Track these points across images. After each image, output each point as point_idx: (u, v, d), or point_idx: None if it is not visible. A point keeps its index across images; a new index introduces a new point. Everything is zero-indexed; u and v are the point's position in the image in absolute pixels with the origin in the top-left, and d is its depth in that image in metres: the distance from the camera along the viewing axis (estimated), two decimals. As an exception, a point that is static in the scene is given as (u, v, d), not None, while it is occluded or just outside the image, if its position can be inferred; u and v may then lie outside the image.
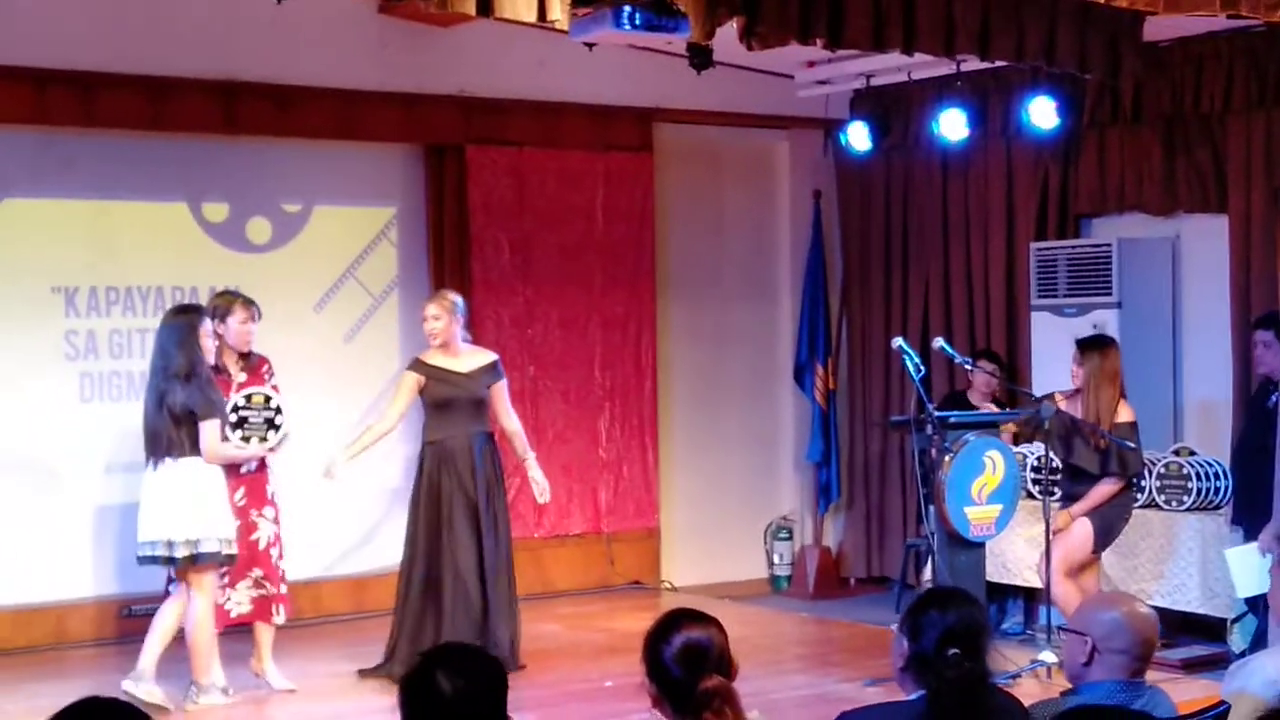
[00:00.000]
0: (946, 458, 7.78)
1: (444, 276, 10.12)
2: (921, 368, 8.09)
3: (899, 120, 10.74)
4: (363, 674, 8.11)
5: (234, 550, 7.50)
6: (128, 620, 9.01)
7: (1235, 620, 8.08)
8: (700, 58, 8.37)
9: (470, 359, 8.23)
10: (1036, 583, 8.58)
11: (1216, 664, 7.85)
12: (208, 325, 7.57)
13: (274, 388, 7.87)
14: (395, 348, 10.16)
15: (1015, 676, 7.50)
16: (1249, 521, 7.82)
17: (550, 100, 10.24)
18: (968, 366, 9.03)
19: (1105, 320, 9.31)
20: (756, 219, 11.37)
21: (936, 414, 7.95)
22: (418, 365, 8.20)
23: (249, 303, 7.86)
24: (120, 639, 8.90)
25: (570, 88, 10.24)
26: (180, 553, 7.35)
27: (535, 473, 8.35)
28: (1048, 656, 7.81)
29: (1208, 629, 8.43)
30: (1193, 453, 8.59)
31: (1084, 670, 4.09)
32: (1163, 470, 8.53)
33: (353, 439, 8.34)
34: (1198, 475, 8.41)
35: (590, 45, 8.78)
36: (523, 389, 10.17)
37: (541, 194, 10.30)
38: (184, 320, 7.54)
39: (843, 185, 11.37)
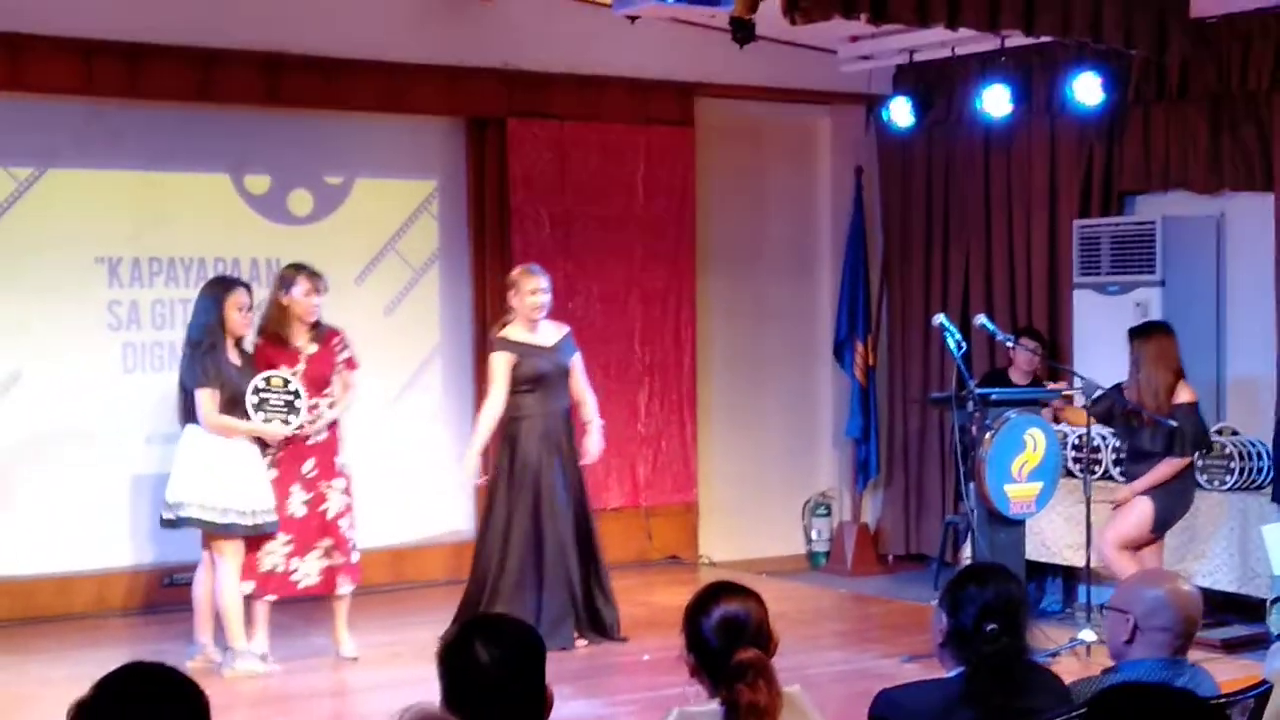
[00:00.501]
0: (987, 435, 7.76)
1: (484, 250, 10.15)
2: (963, 344, 8.06)
3: (942, 96, 10.68)
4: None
5: (255, 521, 7.55)
6: (168, 589, 9.08)
7: (1274, 601, 8.04)
8: (743, 32, 8.34)
9: (550, 332, 8.30)
10: (1076, 561, 8.55)
11: (1257, 644, 7.82)
12: (239, 298, 7.62)
13: (347, 362, 7.89)
14: (435, 321, 10.20)
15: (1055, 654, 7.48)
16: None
17: (592, 74, 10.23)
18: (1009, 344, 8.99)
19: (1148, 299, 9.26)
20: (797, 195, 11.34)
21: (978, 391, 7.92)
22: (506, 345, 8.17)
23: (314, 274, 7.84)
24: (161, 607, 8.98)
25: (612, 61, 10.23)
26: (183, 514, 7.51)
27: (595, 437, 8.36)
28: (1087, 635, 7.78)
29: (1249, 609, 8.39)
30: (1235, 432, 8.54)
31: (1125, 648, 4.08)
32: (1204, 451, 8.47)
33: (475, 435, 8.35)
34: (1240, 455, 8.36)
35: (633, 19, 8.76)
36: (562, 363, 10.17)
37: (583, 168, 10.29)
38: (212, 292, 7.68)
39: (884, 161, 11.32)
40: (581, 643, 8.17)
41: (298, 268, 7.89)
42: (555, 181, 10.21)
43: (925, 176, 11.03)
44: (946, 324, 8.09)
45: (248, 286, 7.85)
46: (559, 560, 8.09)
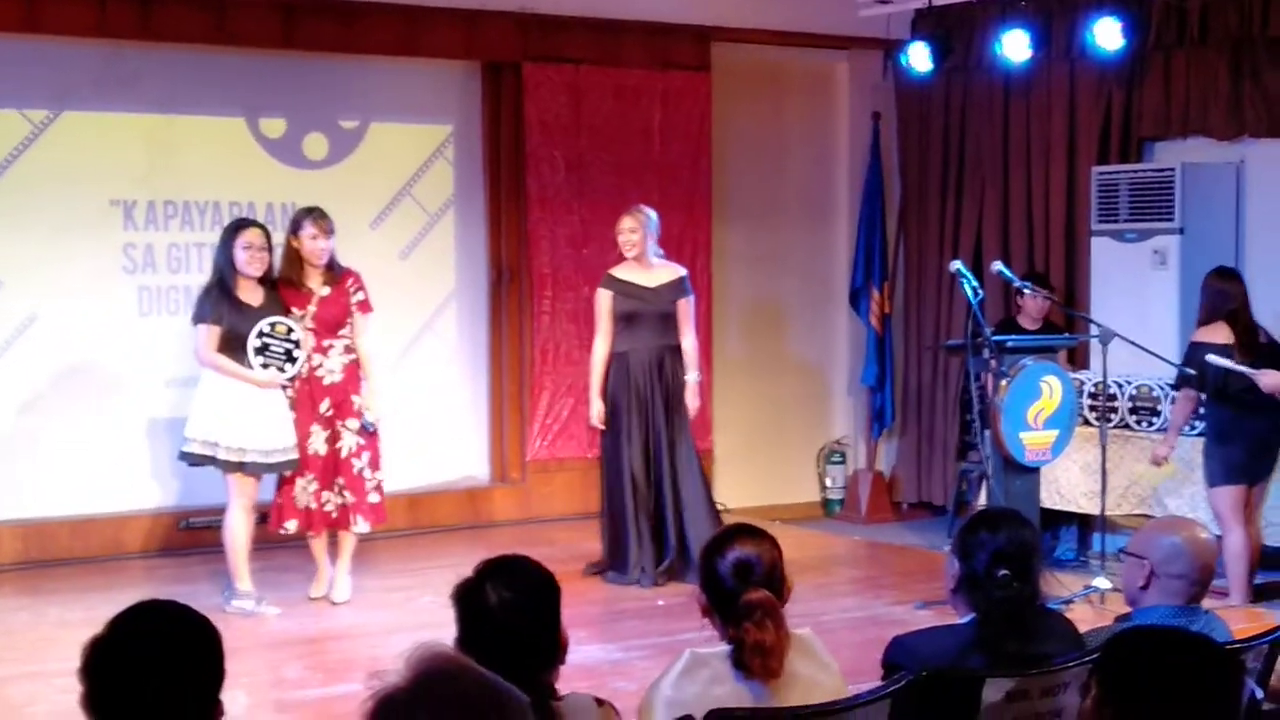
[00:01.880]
0: (1003, 382, 7.74)
1: (500, 195, 10.13)
2: (979, 291, 8.03)
3: (960, 41, 10.60)
4: (587, 572, 8.54)
5: (273, 460, 7.64)
6: (185, 532, 9.12)
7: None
8: (761, -25, 8.29)
9: (660, 273, 8.48)
10: (1091, 509, 8.54)
11: (1275, 593, 7.82)
12: (246, 237, 7.65)
13: (360, 304, 7.91)
14: (451, 265, 10.18)
15: (1068, 602, 7.49)
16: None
17: (609, 18, 10.17)
18: (1026, 290, 8.95)
19: (1167, 246, 9.21)
20: (814, 141, 11.28)
21: (993, 338, 7.90)
22: (609, 281, 8.49)
23: (321, 217, 7.83)
24: (177, 550, 9.03)
25: (629, 5, 10.17)
26: (200, 451, 7.61)
27: (690, 391, 8.50)
28: (1101, 582, 7.79)
29: (1268, 558, 8.37)
30: (1252, 381, 8.49)
31: (1141, 594, 4.08)
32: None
33: (593, 378, 8.51)
34: (1257, 404, 8.32)
35: (650, -38, 8.71)
36: (577, 309, 10.17)
37: (598, 112, 10.25)
38: (225, 233, 7.79)
39: (902, 107, 11.25)
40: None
41: (306, 211, 7.90)
42: (571, 126, 10.17)
43: (943, 122, 10.97)
44: (963, 271, 8.06)
45: (263, 228, 7.84)
46: (629, 494, 8.40)
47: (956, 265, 8.16)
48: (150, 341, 9.26)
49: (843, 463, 11.35)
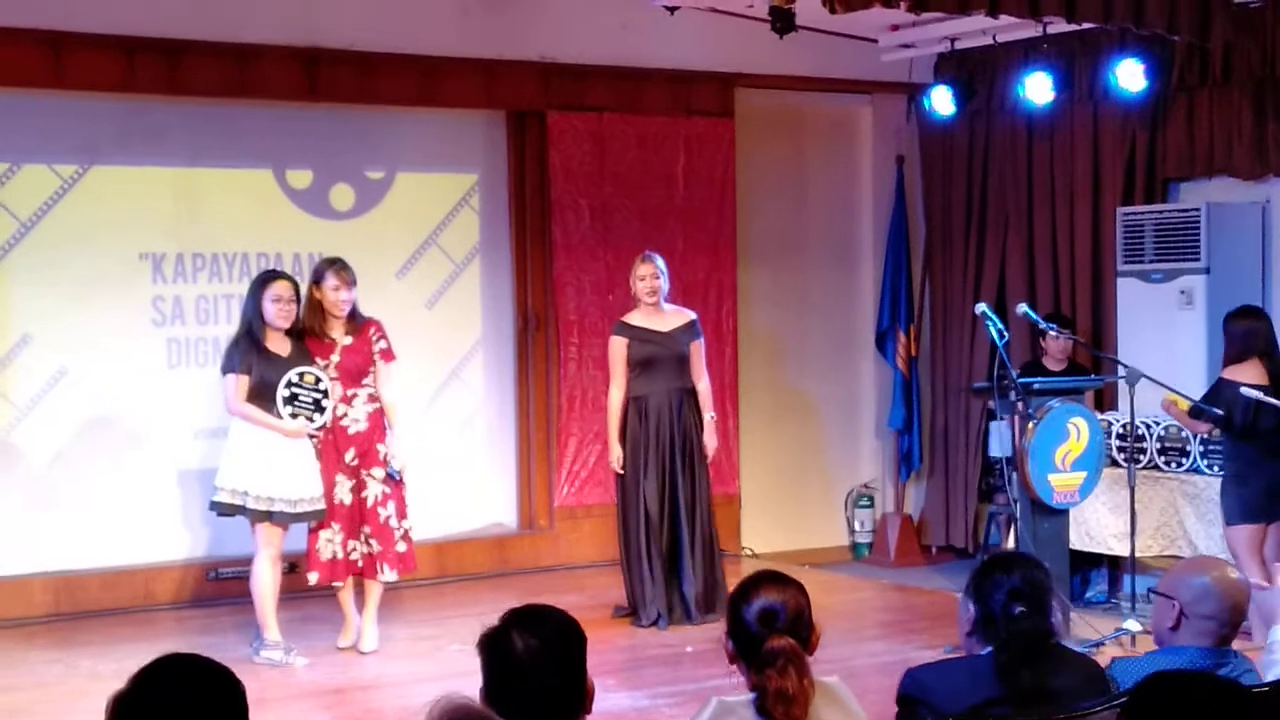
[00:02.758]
0: (1030, 424, 7.72)
1: (525, 242, 10.17)
2: (1004, 334, 8.02)
3: (983, 84, 10.63)
4: (616, 614, 8.68)
5: (299, 510, 7.65)
6: (214, 583, 9.14)
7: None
8: (782, 21, 8.32)
9: (672, 318, 8.61)
10: (1121, 551, 8.50)
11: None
12: (275, 290, 7.69)
13: (382, 352, 7.94)
14: (477, 314, 10.22)
15: (1099, 645, 7.44)
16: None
17: (631, 65, 10.22)
18: (1051, 331, 8.94)
19: (1193, 286, 9.19)
20: (839, 185, 11.31)
21: (1020, 380, 7.88)
22: (623, 328, 8.58)
23: (343, 268, 7.88)
24: (207, 601, 9.04)
25: (651, 53, 10.22)
26: (230, 500, 7.63)
27: (708, 431, 8.64)
28: (1132, 625, 7.74)
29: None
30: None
31: (1171, 634, 4.06)
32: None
33: (610, 424, 8.57)
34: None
35: (671, 9, 8.76)
36: (603, 356, 10.13)
37: (622, 159, 10.29)
38: (254, 285, 7.83)
39: (926, 150, 11.27)
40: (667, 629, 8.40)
41: (329, 262, 7.95)
42: (595, 173, 10.21)
43: (967, 165, 10.98)
44: (989, 313, 8.06)
45: (292, 280, 7.88)
46: (645, 537, 8.46)
47: (982, 308, 8.16)
48: (179, 393, 9.30)
49: (871, 506, 11.32)
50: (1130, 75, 9.39)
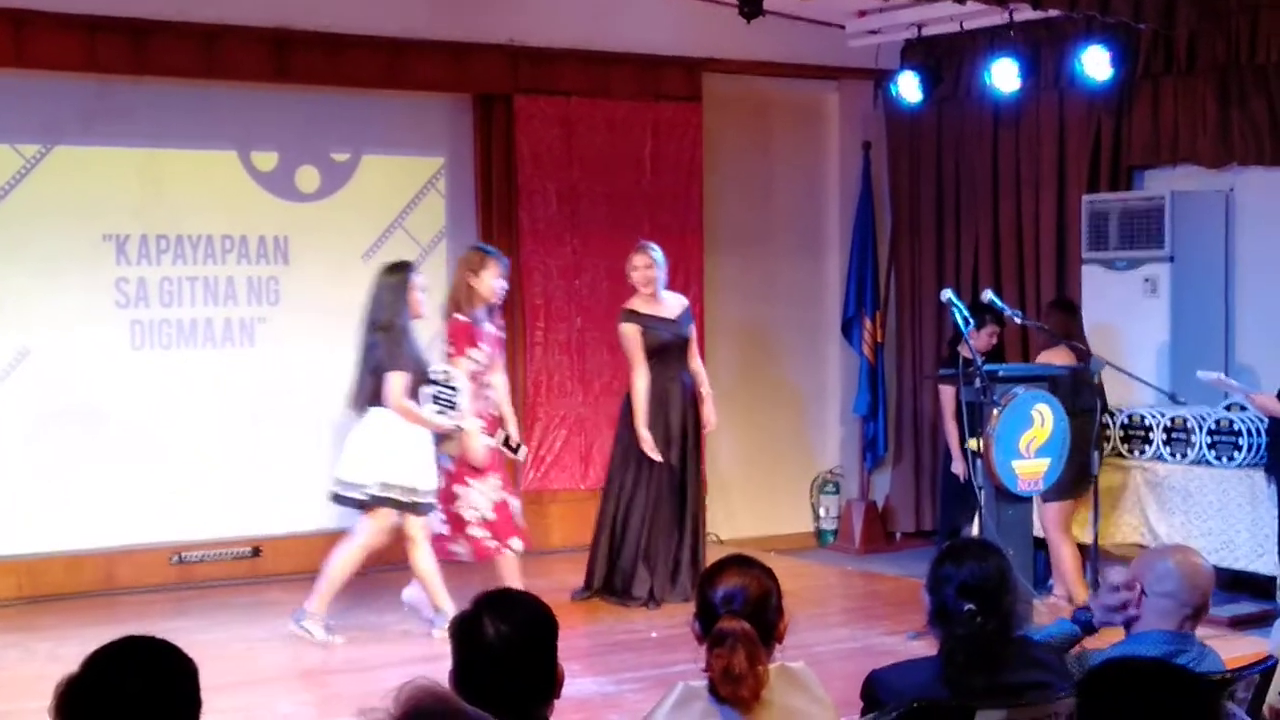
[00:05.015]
0: (995, 411, 7.75)
1: (492, 226, 10.14)
2: (970, 320, 8.05)
3: (950, 71, 10.64)
4: (574, 598, 8.75)
5: (423, 500, 7.80)
6: (177, 567, 9.11)
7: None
8: (750, 6, 8.32)
9: (672, 304, 8.81)
10: (1084, 538, 8.54)
11: (1264, 621, 7.80)
12: (420, 280, 7.87)
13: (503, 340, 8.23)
14: (443, 298, 10.17)
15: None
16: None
17: (599, 50, 10.20)
18: (1018, 319, 8.96)
19: (1157, 274, 9.25)
20: (805, 170, 11.31)
21: (986, 367, 7.91)
22: (633, 316, 8.71)
23: (501, 258, 8.21)
24: (170, 586, 9.01)
25: (619, 37, 10.20)
26: (358, 495, 7.78)
27: (709, 406, 8.86)
28: (1094, 611, 7.76)
29: (1258, 586, 8.39)
30: (1243, 409, 8.52)
31: (1134, 619, 4.09)
32: (1213, 426, 8.46)
33: (636, 412, 8.63)
34: (1248, 431, 8.34)
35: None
36: (569, 340, 10.19)
37: (590, 144, 10.27)
38: (396, 277, 7.88)
39: (893, 137, 11.29)
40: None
41: (484, 251, 8.22)
42: (562, 158, 10.19)
43: (934, 152, 11.01)
44: (954, 300, 8.08)
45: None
46: (647, 520, 8.67)
47: (948, 294, 8.18)
48: (143, 375, 9.25)
49: (836, 493, 11.35)
50: (1096, 63, 9.42)
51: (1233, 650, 5.82)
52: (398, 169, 10.04)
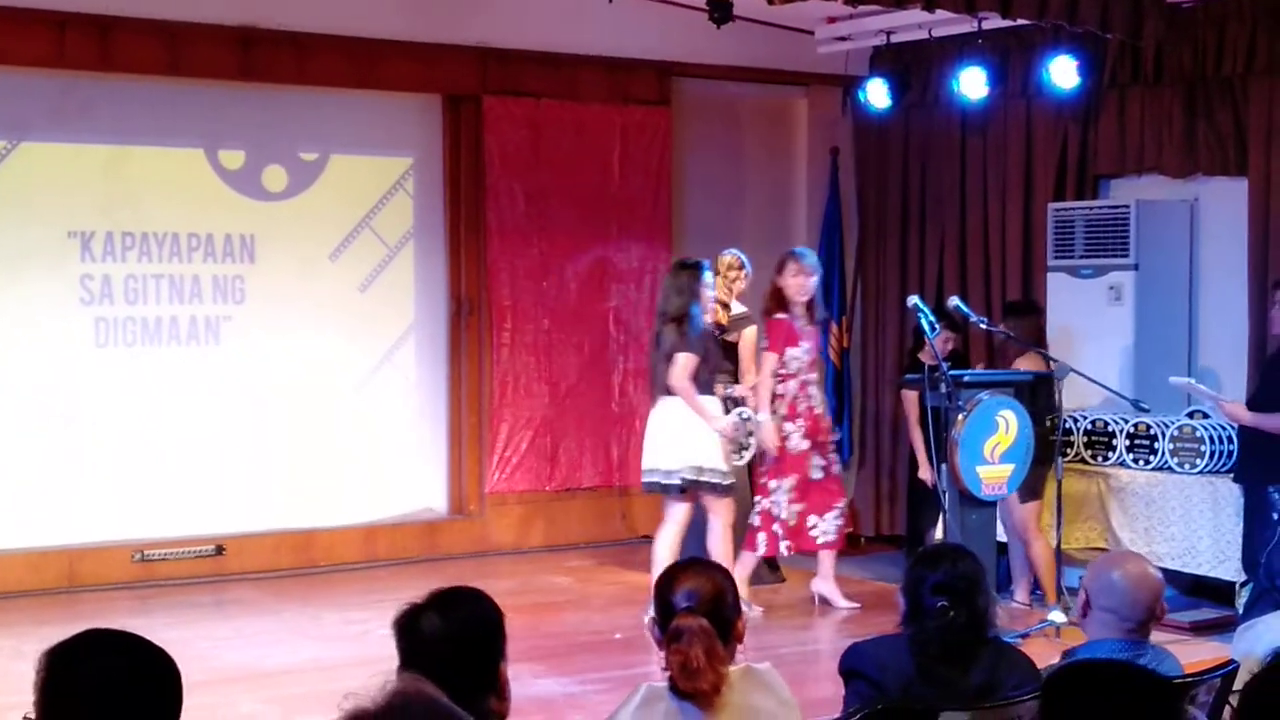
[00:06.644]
0: (959, 416, 7.77)
1: (460, 227, 10.14)
2: (936, 326, 8.08)
3: (918, 78, 10.68)
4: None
5: (726, 482, 8.05)
6: (139, 565, 9.07)
7: (1244, 584, 8.09)
8: (720, 11, 8.34)
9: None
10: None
11: (1226, 627, 7.85)
12: (708, 278, 8.19)
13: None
14: (410, 298, 10.18)
15: (1025, 636, 7.50)
16: (1251, 481, 7.84)
17: (569, 53, 10.20)
18: (983, 325, 8.99)
19: (1122, 282, 9.30)
20: (773, 176, 11.33)
21: (950, 372, 7.93)
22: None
23: (799, 256, 8.48)
24: (133, 584, 8.96)
25: (589, 41, 10.20)
26: (670, 481, 8.07)
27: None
28: (1057, 616, 7.80)
29: (1218, 592, 8.44)
30: (1206, 416, 8.58)
31: (1084, 624, 4.12)
32: (1176, 433, 8.52)
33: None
34: (1211, 439, 8.40)
35: (610, -3, 8.74)
36: (536, 341, 10.19)
37: (558, 146, 10.27)
38: (688, 273, 8.20)
39: (860, 143, 11.32)
40: None
41: (789, 254, 8.50)
42: (531, 160, 10.19)
43: (901, 158, 11.04)
44: (921, 306, 8.11)
45: None
46: None
47: (914, 300, 8.21)
48: (108, 373, 9.21)
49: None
50: (1063, 72, 9.48)
51: (1194, 655, 5.88)
52: (366, 169, 10.02)
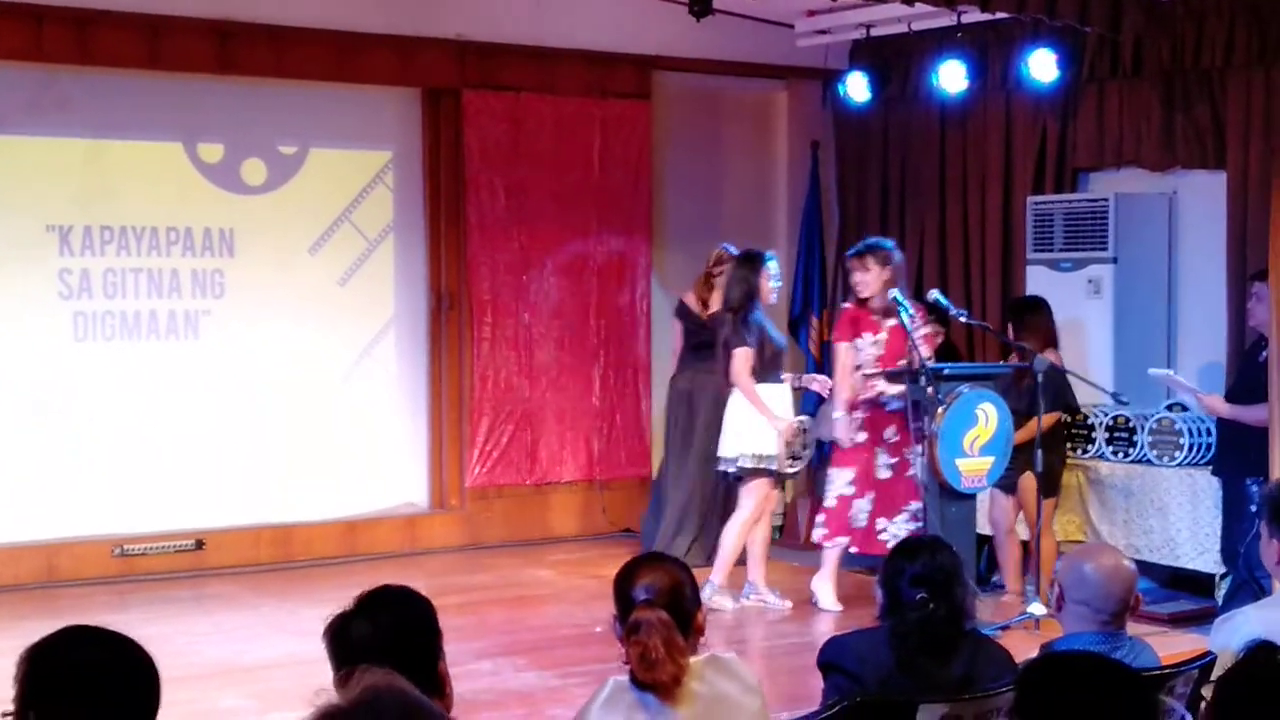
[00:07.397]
0: (939, 409, 7.79)
1: (440, 221, 10.13)
2: (916, 319, 8.09)
3: (898, 71, 10.70)
4: None
5: (774, 468, 8.35)
6: (119, 559, 9.04)
7: (1223, 576, 8.12)
8: (700, 4, 8.35)
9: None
10: (1026, 536, 8.60)
11: (1204, 619, 7.88)
12: (772, 269, 8.45)
13: (925, 338, 8.24)
14: (390, 293, 10.17)
15: (1004, 628, 7.53)
16: (1230, 473, 7.87)
17: (548, 46, 10.19)
18: (962, 318, 9.01)
19: (1101, 275, 9.32)
20: (754, 169, 11.33)
21: (930, 366, 7.95)
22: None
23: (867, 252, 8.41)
24: (112, 579, 8.94)
25: (569, 34, 10.19)
26: (729, 468, 8.45)
27: None
28: (1036, 609, 7.83)
29: (1197, 584, 8.47)
30: (1184, 408, 8.61)
31: (1059, 617, 4.14)
32: (1154, 426, 8.55)
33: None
34: (1189, 431, 8.42)
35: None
36: (517, 335, 10.19)
37: (538, 140, 10.26)
38: (748, 264, 8.50)
39: (840, 136, 11.33)
40: None
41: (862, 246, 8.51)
42: (510, 153, 10.18)
43: (881, 152, 11.05)
44: (900, 299, 8.12)
45: None
46: None
47: (894, 293, 8.22)
48: (86, 367, 9.18)
49: (781, 489, 11.35)
50: (1042, 66, 9.49)
51: (1173, 647, 5.91)
52: (345, 162, 10.00)
